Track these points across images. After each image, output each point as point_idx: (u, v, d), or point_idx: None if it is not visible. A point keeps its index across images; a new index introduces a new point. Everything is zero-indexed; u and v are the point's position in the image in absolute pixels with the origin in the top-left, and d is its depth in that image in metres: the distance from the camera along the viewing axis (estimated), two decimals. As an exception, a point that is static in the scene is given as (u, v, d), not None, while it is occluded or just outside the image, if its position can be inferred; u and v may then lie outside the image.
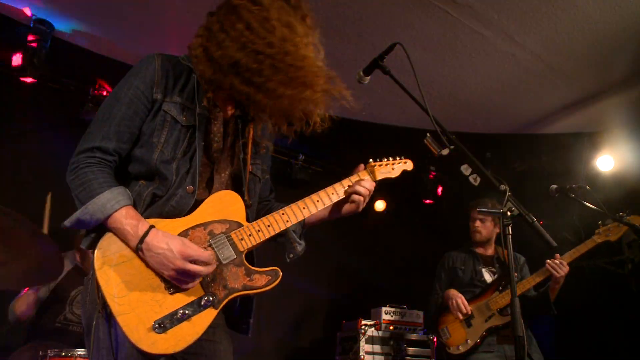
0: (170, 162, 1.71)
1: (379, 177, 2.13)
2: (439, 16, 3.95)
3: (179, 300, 1.60)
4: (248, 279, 1.73)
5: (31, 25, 4.20)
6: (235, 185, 1.88)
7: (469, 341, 3.76)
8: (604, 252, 3.56)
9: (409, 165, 2.27)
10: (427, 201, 6.34)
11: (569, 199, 3.56)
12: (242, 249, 1.75)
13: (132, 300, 1.55)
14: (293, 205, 1.89)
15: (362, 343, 4.55)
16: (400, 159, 2.25)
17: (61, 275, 3.57)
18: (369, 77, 2.14)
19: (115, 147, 1.69)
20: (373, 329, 4.65)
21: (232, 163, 1.88)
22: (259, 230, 1.79)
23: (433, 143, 1.98)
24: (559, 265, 3.58)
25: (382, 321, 4.73)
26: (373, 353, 4.57)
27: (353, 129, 5.61)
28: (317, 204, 1.92)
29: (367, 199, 2.01)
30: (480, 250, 4.22)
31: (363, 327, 4.60)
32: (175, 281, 1.60)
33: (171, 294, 1.60)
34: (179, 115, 1.75)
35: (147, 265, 1.59)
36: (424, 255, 6.33)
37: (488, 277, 4.04)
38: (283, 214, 1.85)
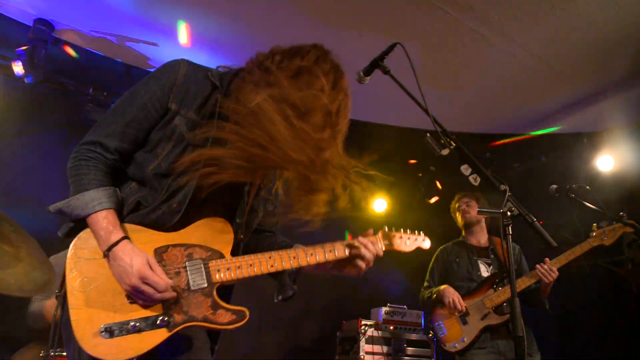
0: (164, 177, 1.68)
1: (389, 247, 2.05)
2: (439, 16, 3.95)
3: (136, 312, 1.59)
4: (211, 311, 1.66)
5: (31, 25, 4.20)
6: (231, 212, 1.80)
7: (465, 339, 3.75)
8: (604, 252, 3.54)
9: (426, 243, 2.18)
10: (433, 200, 6.33)
11: (569, 199, 3.56)
12: (215, 280, 1.68)
13: (90, 298, 1.55)
14: (283, 252, 1.80)
15: (362, 343, 4.54)
16: (418, 234, 2.17)
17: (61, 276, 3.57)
18: (369, 77, 2.15)
19: (117, 147, 1.68)
20: (373, 329, 4.65)
21: (233, 190, 1.79)
22: (238, 267, 1.72)
23: (433, 143, 1.97)
24: (548, 271, 3.58)
25: (382, 321, 4.72)
26: (373, 353, 4.57)
27: (353, 129, 5.61)
28: (309, 258, 1.84)
29: (370, 265, 1.90)
30: (473, 242, 4.20)
31: (363, 327, 4.60)
32: (132, 295, 1.59)
33: (130, 303, 1.59)
34: (188, 132, 1.69)
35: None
36: (424, 256, 6.33)
37: (484, 269, 4.02)
38: (270, 257, 1.78)
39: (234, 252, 1.77)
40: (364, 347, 4.54)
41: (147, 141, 1.72)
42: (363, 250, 1.87)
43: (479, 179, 1.95)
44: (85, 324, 1.52)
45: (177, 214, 1.68)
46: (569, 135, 5.49)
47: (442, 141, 1.94)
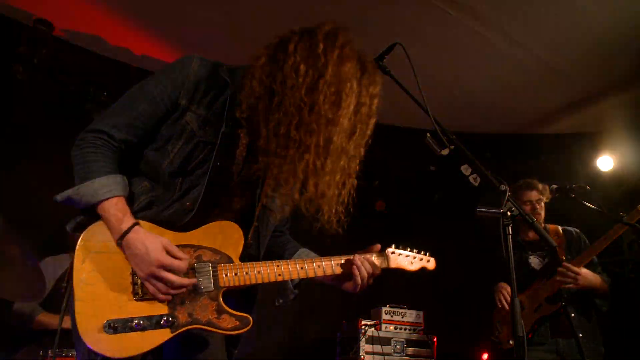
0: (176, 175, 1.68)
1: (393, 265, 2.06)
2: (439, 16, 3.95)
3: (141, 310, 1.58)
4: (216, 315, 1.66)
5: (31, 25, 4.20)
6: (243, 216, 1.79)
7: None
8: (604, 252, 3.52)
9: (431, 264, 2.19)
10: (435, 199, 6.32)
11: (569, 199, 3.55)
12: (222, 285, 1.69)
13: (96, 292, 1.54)
14: (291, 262, 1.82)
15: (362, 343, 4.54)
16: (425, 254, 2.18)
17: (59, 274, 3.58)
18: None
19: (123, 139, 1.67)
20: (373, 329, 4.65)
21: (246, 193, 1.79)
22: (246, 273, 1.72)
23: (433, 143, 1.97)
24: (564, 275, 3.37)
25: (382, 321, 4.72)
26: (373, 353, 4.56)
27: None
28: (316, 270, 1.86)
29: (365, 283, 1.90)
30: (524, 237, 3.95)
31: (363, 327, 4.60)
32: (148, 285, 1.58)
33: (136, 300, 1.58)
34: (199, 129, 1.68)
35: (125, 262, 1.58)
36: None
37: (537, 262, 3.83)
38: (278, 266, 1.79)
39: (243, 256, 1.77)
40: (364, 347, 4.54)
41: (155, 137, 1.70)
42: (360, 268, 1.87)
43: (479, 179, 1.95)
44: (90, 317, 1.52)
45: (190, 213, 1.67)
46: (569, 135, 5.49)
47: (442, 141, 1.94)
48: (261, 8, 4.06)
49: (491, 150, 5.82)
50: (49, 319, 3.47)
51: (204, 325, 1.64)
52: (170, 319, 1.59)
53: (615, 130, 5.14)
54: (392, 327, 4.74)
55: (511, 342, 3.62)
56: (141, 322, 1.56)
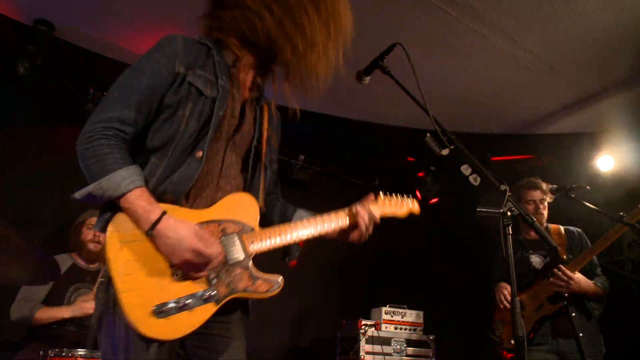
0: (192, 135, 1.70)
1: (387, 211, 2.15)
2: (439, 16, 3.95)
3: (183, 289, 1.62)
4: (251, 282, 1.75)
5: (31, 25, 4.20)
6: (244, 169, 1.90)
7: None
8: (604, 252, 3.52)
9: (416, 207, 2.30)
10: (432, 200, 6.33)
11: (569, 199, 3.55)
12: (250, 253, 1.76)
13: (138, 280, 1.55)
14: (305, 222, 1.91)
15: (362, 343, 4.55)
16: (409, 198, 2.28)
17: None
18: (369, 77, 2.16)
19: (136, 118, 1.64)
20: (373, 329, 4.65)
21: (245, 147, 1.90)
22: (269, 237, 1.82)
23: (433, 143, 1.98)
24: (558, 280, 3.42)
25: (382, 321, 4.73)
26: (373, 353, 4.57)
27: (353, 129, 5.61)
28: (327, 226, 1.95)
29: (370, 228, 2.01)
30: (526, 236, 3.95)
31: (363, 327, 4.61)
32: (183, 269, 1.61)
33: (176, 281, 1.61)
34: (204, 87, 1.74)
35: (158, 249, 1.60)
36: (425, 255, 6.34)
37: (539, 262, 3.83)
38: (295, 228, 1.88)
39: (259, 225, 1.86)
40: (364, 347, 4.54)
41: (161, 110, 1.71)
42: (360, 220, 1.97)
43: (479, 179, 1.95)
44: (138, 306, 1.53)
45: (200, 163, 1.70)
46: (569, 135, 5.49)
47: (442, 141, 1.94)
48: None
49: (491, 150, 5.83)
50: (48, 313, 3.48)
51: (242, 293, 1.72)
52: (212, 292, 1.65)
53: (615, 130, 5.14)
54: (392, 327, 4.74)
55: (512, 341, 3.60)
56: (188, 300, 1.60)
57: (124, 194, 1.56)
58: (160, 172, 1.66)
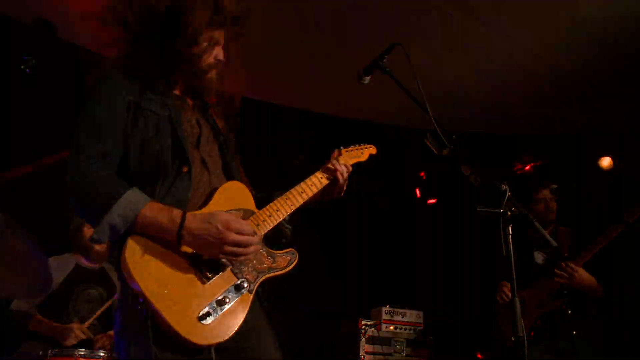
0: (168, 155, 1.71)
1: (352, 161, 2.24)
2: (439, 16, 3.95)
3: (216, 289, 1.63)
4: (271, 260, 1.81)
5: (31, 25, 4.20)
6: (223, 165, 1.93)
7: None
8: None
9: (373, 148, 2.40)
10: (431, 201, 6.33)
11: (569, 199, 3.55)
12: (260, 234, 1.79)
13: (172, 295, 1.55)
14: (292, 192, 1.97)
15: (362, 343, 4.55)
16: (365, 143, 2.39)
17: (63, 276, 3.58)
18: (369, 77, 2.15)
19: (113, 148, 1.66)
20: (373, 329, 4.65)
21: (215, 146, 1.93)
22: (270, 215, 1.86)
23: (433, 143, 1.98)
24: (562, 273, 3.41)
25: (382, 321, 4.72)
26: (373, 353, 4.57)
27: (353, 129, 5.61)
28: (311, 188, 2.02)
29: (346, 179, 2.10)
30: (531, 232, 3.79)
31: (363, 327, 4.60)
32: (227, 257, 1.63)
33: (204, 284, 1.62)
34: (157, 109, 1.75)
35: (178, 257, 1.60)
36: (425, 255, 6.33)
37: (542, 259, 3.82)
38: (287, 199, 1.93)
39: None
40: (364, 347, 4.54)
41: (131, 142, 1.71)
42: (338, 175, 2.08)
43: (479, 179, 1.95)
44: (183, 319, 1.53)
45: (190, 176, 1.71)
46: (569, 135, 5.49)
47: (442, 141, 1.94)
48: (260, 8, 4.06)
49: (490, 150, 5.83)
50: (41, 327, 3.40)
51: (268, 273, 1.78)
52: (243, 283, 1.69)
53: (615, 131, 5.15)
54: (392, 327, 4.74)
55: (513, 338, 3.59)
56: (225, 298, 1.62)
57: (139, 212, 1.56)
58: (157, 194, 1.67)
